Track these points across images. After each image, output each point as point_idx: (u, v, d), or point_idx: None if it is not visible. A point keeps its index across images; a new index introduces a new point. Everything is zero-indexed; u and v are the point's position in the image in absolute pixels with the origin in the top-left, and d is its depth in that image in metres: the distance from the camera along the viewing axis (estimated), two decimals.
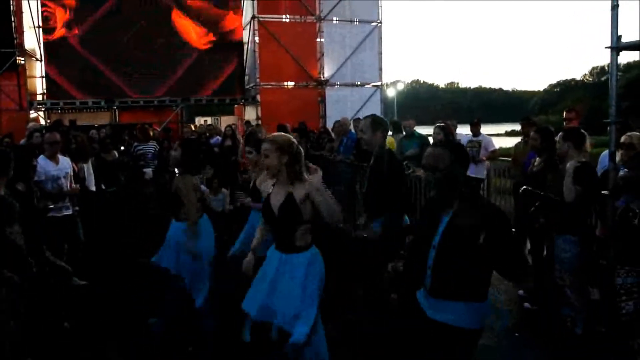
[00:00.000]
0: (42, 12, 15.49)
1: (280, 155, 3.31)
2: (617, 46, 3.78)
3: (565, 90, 71.16)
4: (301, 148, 3.46)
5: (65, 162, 6.04)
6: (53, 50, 15.76)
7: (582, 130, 6.77)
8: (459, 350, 2.71)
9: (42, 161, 5.73)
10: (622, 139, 4.58)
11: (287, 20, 17.51)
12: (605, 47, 3.77)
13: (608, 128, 4.23)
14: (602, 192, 4.36)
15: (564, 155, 4.63)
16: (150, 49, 16.45)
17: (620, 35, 3.77)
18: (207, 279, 4.59)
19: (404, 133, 8.60)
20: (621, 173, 4.14)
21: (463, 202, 2.73)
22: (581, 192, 4.32)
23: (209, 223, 4.74)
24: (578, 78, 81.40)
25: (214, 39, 17.04)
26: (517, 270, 2.73)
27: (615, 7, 3.77)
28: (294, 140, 3.46)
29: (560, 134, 4.80)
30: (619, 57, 3.82)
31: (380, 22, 18.04)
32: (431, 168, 2.78)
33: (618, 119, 4.10)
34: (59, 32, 15.71)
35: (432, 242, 2.77)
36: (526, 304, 5.35)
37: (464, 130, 10.23)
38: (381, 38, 18.10)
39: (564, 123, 6.71)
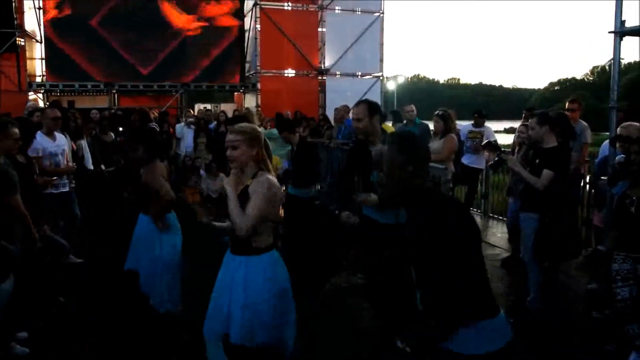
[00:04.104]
0: None
1: (249, 147, 3.07)
2: (621, 30, 3.76)
3: (565, 89, 70.96)
4: (266, 140, 3.28)
5: (61, 139, 6.03)
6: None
7: (584, 122, 6.87)
8: None
9: (39, 137, 5.72)
10: (619, 130, 4.62)
11: (289, 9, 17.39)
12: (609, 32, 3.75)
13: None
14: (602, 178, 4.37)
15: (540, 139, 4.67)
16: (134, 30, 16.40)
17: (624, 20, 3.75)
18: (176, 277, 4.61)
19: (404, 122, 8.58)
20: (618, 158, 4.15)
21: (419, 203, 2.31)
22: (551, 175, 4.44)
23: (175, 219, 4.70)
24: (579, 77, 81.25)
25: (202, 24, 16.96)
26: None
27: None
28: (260, 130, 3.26)
29: (533, 119, 4.81)
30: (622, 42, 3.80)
31: (383, 13, 17.93)
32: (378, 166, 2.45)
33: (619, 104, 4.09)
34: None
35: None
36: None
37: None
38: (383, 29, 17.99)
39: (567, 113, 6.73)
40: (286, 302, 3.17)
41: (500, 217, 8.53)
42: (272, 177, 3.10)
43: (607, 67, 68.00)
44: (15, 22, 14.61)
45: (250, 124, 3.48)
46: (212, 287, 3.27)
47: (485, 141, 8.23)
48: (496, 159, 5.43)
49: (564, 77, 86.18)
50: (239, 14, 17.34)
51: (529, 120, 5.12)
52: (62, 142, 5.97)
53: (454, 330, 2.17)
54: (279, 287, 3.11)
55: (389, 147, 2.40)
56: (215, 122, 11.36)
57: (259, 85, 17.20)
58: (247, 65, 17.89)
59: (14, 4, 14.57)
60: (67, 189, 5.95)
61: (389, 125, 9.47)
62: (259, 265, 3.07)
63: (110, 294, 5.05)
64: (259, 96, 17.07)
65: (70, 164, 6.06)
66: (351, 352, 4.07)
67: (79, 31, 15.83)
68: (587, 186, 6.59)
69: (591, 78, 77.09)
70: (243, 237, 2.97)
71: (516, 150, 6.22)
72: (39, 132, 5.77)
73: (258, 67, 17.09)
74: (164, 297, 4.54)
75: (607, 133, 6.88)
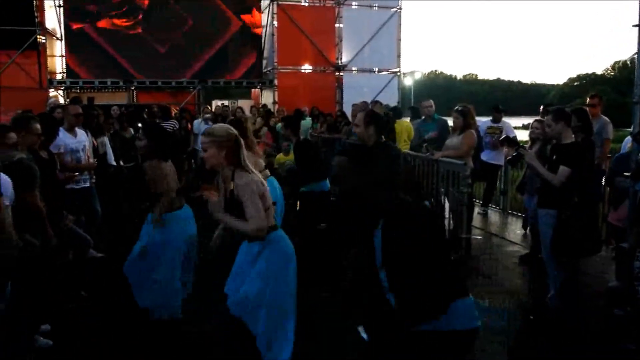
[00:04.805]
0: None
1: (218, 149, 3.25)
2: None
3: (585, 84, 69.87)
4: (240, 139, 3.33)
5: (82, 135, 6.09)
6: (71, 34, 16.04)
7: (605, 117, 6.80)
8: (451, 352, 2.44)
9: (61, 134, 5.77)
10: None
11: (306, 5, 17.44)
12: (633, 25, 3.70)
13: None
14: (625, 174, 4.32)
15: (557, 136, 4.65)
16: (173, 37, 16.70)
17: None
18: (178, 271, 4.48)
19: (423, 118, 8.54)
20: None
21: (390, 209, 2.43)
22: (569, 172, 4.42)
23: (190, 214, 4.58)
24: (599, 72, 79.84)
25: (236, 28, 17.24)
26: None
27: None
28: (233, 131, 3.36)
29: (548, 116, 4.81)
30: None
31: (400, 8, 17.85)
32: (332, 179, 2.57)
33: None
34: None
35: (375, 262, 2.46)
36: None
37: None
38: (400, 24, 17.89)
39: (587, 109, 6.65)
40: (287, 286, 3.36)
41: (519, 214, 8.46)
42: (248, 173, 3.25)
43: (628, 62, 66.94)
44: (36, 20, 14.83)
45: (223, 126, 3.54)
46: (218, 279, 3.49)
47: (503, 136, 8.19)
48: (514, 154, 5.42)
49: (584, 73, 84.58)
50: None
51: (545, 118, 5.08)
52: (83, 138, 6.04)
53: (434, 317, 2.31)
54: (281, 265, 3.32)
55: (357, 162, 2.52)
56: (233, 118, 11.41)
57: (276, 82, 17.24)
58: (264, 62, 17.94)
59: (34, 2, 14.78)
60: (87, 185, 6.02)
61: (406, 121, 9.48)
62: (260, 248, 3.29)
63: (114, 293, 5.07)
64: (276, 92, 17.12)
65: (91, 160, 6.12)
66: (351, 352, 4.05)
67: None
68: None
69: (612, 73, 75.79)
70: (257, 235, 3.18)
71: (528, 145, 6.18)
72: (60, 128, 5.84)
73: (275, 64, 17.12)
74: (156, 301, 4.41)
75: (629, 129, 6.78)
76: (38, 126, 4.43)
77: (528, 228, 7.45)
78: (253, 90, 19.27)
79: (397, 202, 2.47)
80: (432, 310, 2.31)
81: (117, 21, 16.28)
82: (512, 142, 5.72)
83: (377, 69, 17.99)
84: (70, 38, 16.07)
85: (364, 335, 2.67)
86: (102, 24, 16.19)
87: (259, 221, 3.16)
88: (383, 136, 4.87)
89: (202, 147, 3.32)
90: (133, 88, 16.78)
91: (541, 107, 7.89)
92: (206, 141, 3.27)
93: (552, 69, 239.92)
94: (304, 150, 6.52)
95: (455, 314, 2.33)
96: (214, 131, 3.34)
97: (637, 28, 3.71)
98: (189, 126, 11.50)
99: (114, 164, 7.42)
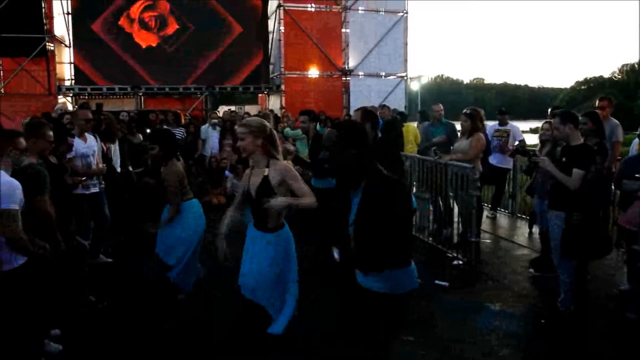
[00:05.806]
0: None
1: (254, 138, 3.59)
2: None
3: (592, 88, 69.41)
4: (274, 132, 3.71)
5: (92, 140, 6.10)
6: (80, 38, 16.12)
7: (615, 120, 6.76)
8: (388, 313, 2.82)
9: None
10: None
11: (313, 10, 17.45)
12: None
13: None
14: (637, 176, 4.29)
15: (564, 138, 4.66)
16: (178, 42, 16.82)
17: None
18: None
19: (430, 121, 8.54)
20: None
21: (370, 179, 2.73)
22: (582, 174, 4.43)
23: (198, 206, 4.98)
24: (606, 76, 79.28)
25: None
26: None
27: None
28: (267, 123, 3.70)
29: (555, 118, 4.81)
30: None
31: (406, 13, 17.89)
32: (324, 147, 2.83)
33: None
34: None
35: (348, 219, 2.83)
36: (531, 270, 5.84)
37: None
38: (407, 29, 17.96)
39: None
40: (288, 276, 3.69)
41: (529, 217, 8.41)
42: (280, 161, 3.65)
43: (636, 65, 66.58)
44: (45, 28, 14.95)
45: (257, 118, 3.91)
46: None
47: (515, 142, 8.17)
48: (528, 163, 5.41)
49: (591, 76, 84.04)
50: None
51: (552, 120, 5.07)
52: (92, 143, 6.04)
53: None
54: (283, 258, 3.66)
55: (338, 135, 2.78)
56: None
57: (282, 87, 17.27)
58: (271, 67, 17.99)
59: (43, 9, 14.90)
60: (97, 190, 6.02)
61: (412, 124, 9.48)
62: (271, 239, 3.64)
63: (123, 297, 5.15)
64: (283, 97, 17.15)
65: (101, 165, 6.13)
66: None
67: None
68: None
69: (619, 76, 75.33)
70: (314, 206, 3.54)
71: (538, 148, 6.15)
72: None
73: (282, 69, 17.15)
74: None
75: (638, 132, 6.73)
76: (50, 133, 4.44)
77: (533, 227, 7.44)
78: (260, 95, 19.30)
79: (377, 171, 2.74)
80: (375, 266, 2.70)
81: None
82: (523, 152, 5.68)
83: (383, 74, 18.00)
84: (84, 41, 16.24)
85: (336, 255, 3.05)
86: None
87: (311, 195, 3.53)
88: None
89: (239, 137, 3.64)
90: (141, 94, 16.85)
91: (549, 110, 7.87)
92: (243, 131, 3.60)
93: (559, 73, 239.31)
94: (320, 141, 6.53)
95: (393, 280, 2.72)
96: (250, 122, 3.69)
97: None
98: (196, 131, 11.51)
99: (119, 170, 7.43)
